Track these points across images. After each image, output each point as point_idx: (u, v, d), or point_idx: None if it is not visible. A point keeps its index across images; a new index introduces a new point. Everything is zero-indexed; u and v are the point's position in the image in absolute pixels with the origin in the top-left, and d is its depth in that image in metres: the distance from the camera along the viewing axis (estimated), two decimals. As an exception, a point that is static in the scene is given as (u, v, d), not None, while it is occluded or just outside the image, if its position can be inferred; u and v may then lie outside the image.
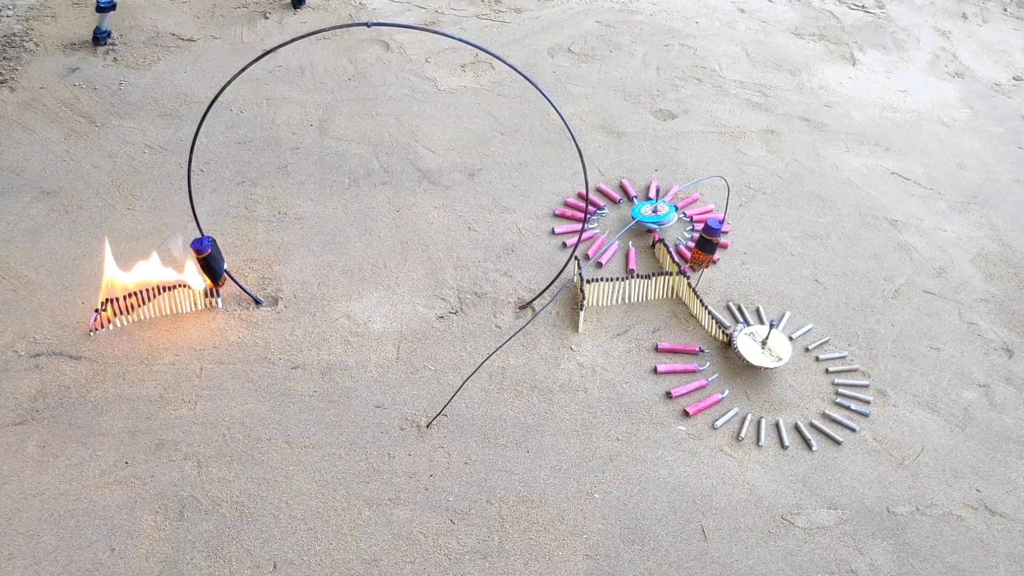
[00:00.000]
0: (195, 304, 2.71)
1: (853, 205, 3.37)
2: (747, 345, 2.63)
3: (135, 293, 2.60)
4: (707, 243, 2.78)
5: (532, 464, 2.36)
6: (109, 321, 2.61)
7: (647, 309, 2.86)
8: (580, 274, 2.81)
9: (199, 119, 2.39)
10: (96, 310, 2.59)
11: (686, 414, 2.51)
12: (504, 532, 2.20)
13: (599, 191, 3.33)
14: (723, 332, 2.72)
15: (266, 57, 2.28)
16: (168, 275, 2.67)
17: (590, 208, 3.19)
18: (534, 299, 2.82)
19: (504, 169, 3.39)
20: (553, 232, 3.11)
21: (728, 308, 2.87)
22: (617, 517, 2.25)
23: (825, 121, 3.87)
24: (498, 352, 2.58)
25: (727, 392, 2.59)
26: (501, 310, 2.79)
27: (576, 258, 2.91)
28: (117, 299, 2.59)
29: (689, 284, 2.82)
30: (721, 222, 2.77)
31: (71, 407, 2.40)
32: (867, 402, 2.58)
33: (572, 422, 2.47)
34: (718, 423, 2.49)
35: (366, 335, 2.69)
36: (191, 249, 2.53)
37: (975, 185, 3.57)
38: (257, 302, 2.75)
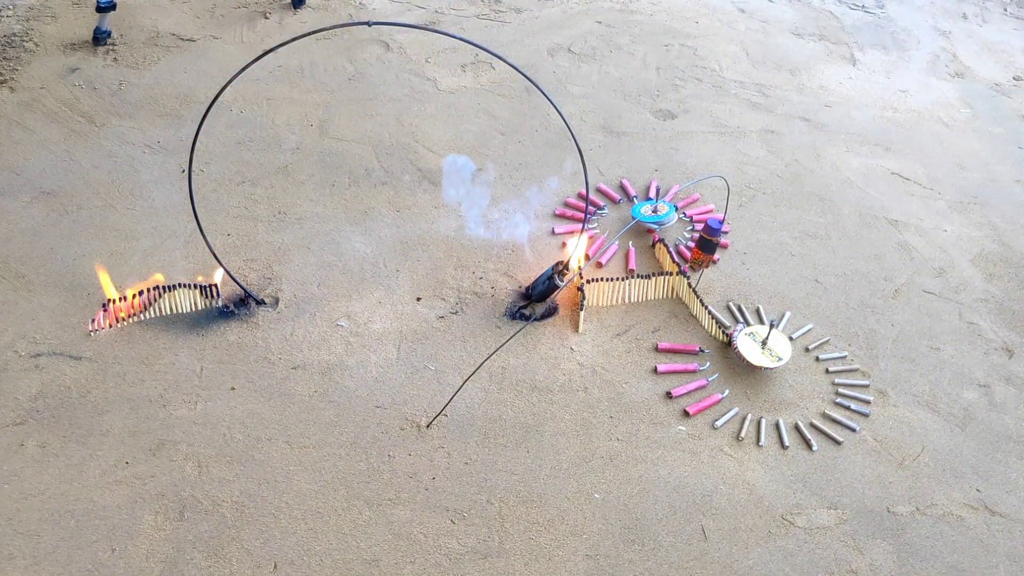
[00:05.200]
0: (194, 304, 2.71)
1: (853, 205, 3.37)
2: (747, 345, 2.63)
3: (140, 292, 2.60)
4: (707, 243, 2.78)
5: (532, 464, 2.36)
6: (111, 325, 2.61)
7: (647, 309, 2.86)
8: (580, 274, 2.81)
9: (199, 119, 2.39)
10: (106, 303, 2.59)
11: (686, 414, 2.51)
12: (504, 532, 2.19)
13: (599, 191, 3.33)
14: (723, 332, 2.72)
15: (266, 57, 2.28)
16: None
17: (590, 208, 3.19)
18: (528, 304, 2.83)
19: (504, 169, 3.38)
20: (553, 232, 3.11)
21: (728, 308, 2.87)
22: (617, 517, 2.25)
23: (825, 121, 3.87)
24: (498, 352, 2.58)
25: (727, 392, 2.59)
26: (501, 310, 2.79)
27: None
28: (123, 298, 2.60)
29: (689, 284, 2.82)
30: (721, 222, 2.77)
31: (71, 407, 2.40)
32: (867, 402, 2.58)
33: (572, 422, 2.47)
34: (718, 423, 2.49)
35: (366, 335, 2.69)
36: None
37: (975, 185, 3.56)
38: (258, 302, 2.75)
